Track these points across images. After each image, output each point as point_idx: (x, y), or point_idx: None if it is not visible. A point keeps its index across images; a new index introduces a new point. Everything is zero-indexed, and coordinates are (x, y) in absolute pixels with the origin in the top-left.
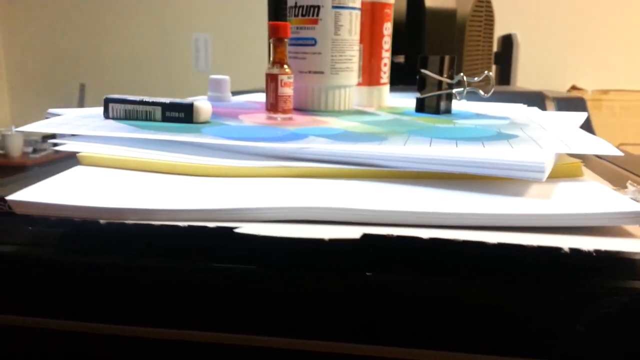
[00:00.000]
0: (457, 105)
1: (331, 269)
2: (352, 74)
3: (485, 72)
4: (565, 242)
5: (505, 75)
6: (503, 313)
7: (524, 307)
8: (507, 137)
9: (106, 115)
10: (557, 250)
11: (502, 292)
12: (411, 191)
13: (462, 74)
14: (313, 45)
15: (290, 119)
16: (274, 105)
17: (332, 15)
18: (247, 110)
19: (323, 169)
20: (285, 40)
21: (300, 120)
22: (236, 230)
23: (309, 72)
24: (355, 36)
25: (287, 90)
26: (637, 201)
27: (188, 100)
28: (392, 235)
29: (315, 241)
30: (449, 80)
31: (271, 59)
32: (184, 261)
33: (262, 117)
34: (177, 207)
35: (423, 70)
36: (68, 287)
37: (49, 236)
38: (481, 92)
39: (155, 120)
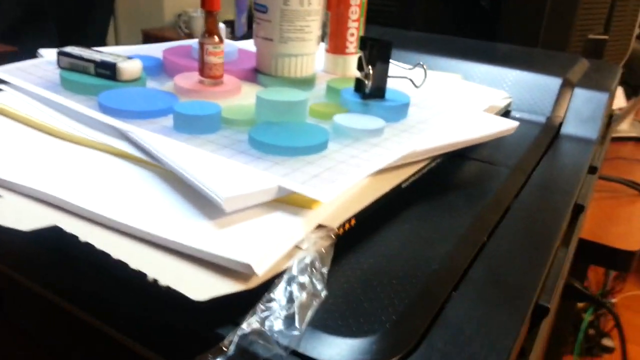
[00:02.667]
0: (425, 87)
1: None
2: (304, 44)
3: (419, 62)
4: (164, 271)
5: None
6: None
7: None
8: (317, 149)
9: (58, 65)
10: (143, 275)
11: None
12: (152, 187)
13: (370, 67)
14: (265, 12)
15: (219, 84)
16: (201, 71)
17: None
18: (195, 68)
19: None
20: (214, 12)
21: (223, 88)
22: None
23: (263, 37)
24: (311, 6)
25: (213, 59)
26: (309, 254)
27: (115, 60)
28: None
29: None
30: (366, 68)
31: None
32: None
33: (194, 80)
34: None
35: (360, 51)
36: None
37: None
38: (413, 82)
39: (90, 74)
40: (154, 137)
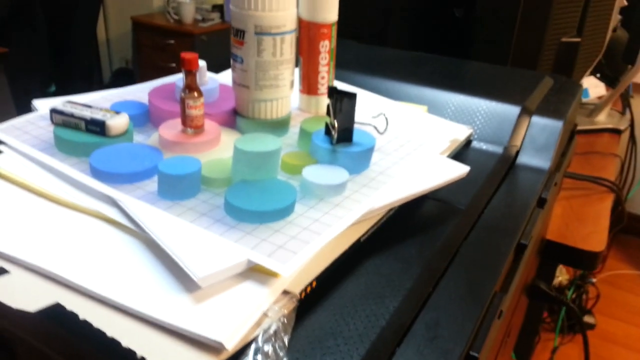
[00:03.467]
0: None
1: None
2: (278, 89)
3: (382, 113)
4: (150, 348)
5: (635, 39)
6: None
7: None
8: (284, 212)
9: (51, 121)
10: (133, 352)
11: None
12: (136, 258)
13: (335, 121)
14: (241, 63)
15: (200, 133)
16: (183, 122)
17: (255, 40)
18: (178, 113)
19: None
20: (193, 71)
21: (203, 137)
22: None
23: (240, 84)
24: (282, 57)
25: (193, 112)
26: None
27: (103, 117)
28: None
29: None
30: (333, 120)
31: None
32: None
33: (177, 130)
34: None
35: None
36: None
37: None
38: (377, 128)
39: (81, 131)
40: (139, 206)
